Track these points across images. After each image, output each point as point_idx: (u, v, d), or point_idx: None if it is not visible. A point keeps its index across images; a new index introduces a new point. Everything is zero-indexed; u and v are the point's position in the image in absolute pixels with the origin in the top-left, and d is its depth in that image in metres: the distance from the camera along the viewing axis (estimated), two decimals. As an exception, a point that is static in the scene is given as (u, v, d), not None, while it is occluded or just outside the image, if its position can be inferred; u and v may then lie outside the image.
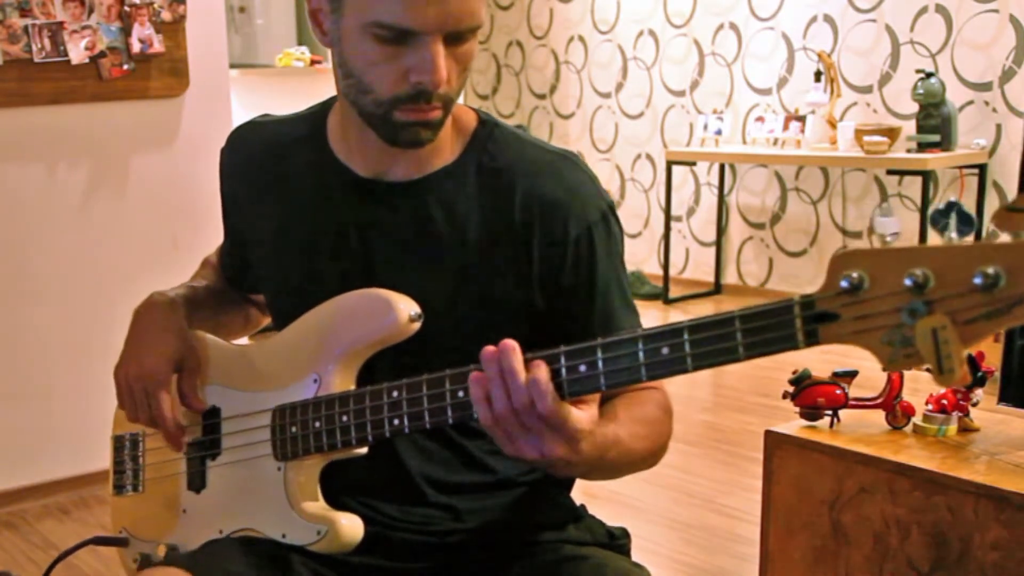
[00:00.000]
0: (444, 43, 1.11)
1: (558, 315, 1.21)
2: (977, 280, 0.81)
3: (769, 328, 0.91)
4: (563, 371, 1.01)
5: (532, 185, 1.21)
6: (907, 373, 1.88)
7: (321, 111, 1.32)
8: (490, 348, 1.02)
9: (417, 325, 1.17)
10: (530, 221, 1.20)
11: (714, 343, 0.94)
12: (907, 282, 0.84)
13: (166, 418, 1.28)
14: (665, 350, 0.96)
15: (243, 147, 1.37)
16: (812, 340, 0.89)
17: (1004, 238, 0.84)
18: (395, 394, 1.12)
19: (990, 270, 0.81)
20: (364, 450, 1.20)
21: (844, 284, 0.87)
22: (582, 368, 1.00)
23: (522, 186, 1.21)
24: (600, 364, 1.00)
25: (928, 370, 0.84)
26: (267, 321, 1.49)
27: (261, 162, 1.34)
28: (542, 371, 1.00)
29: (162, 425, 1.28)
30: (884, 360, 0.87)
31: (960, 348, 0.82)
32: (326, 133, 1.29)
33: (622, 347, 0.99)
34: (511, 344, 1.01)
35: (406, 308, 1.17)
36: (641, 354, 0.98)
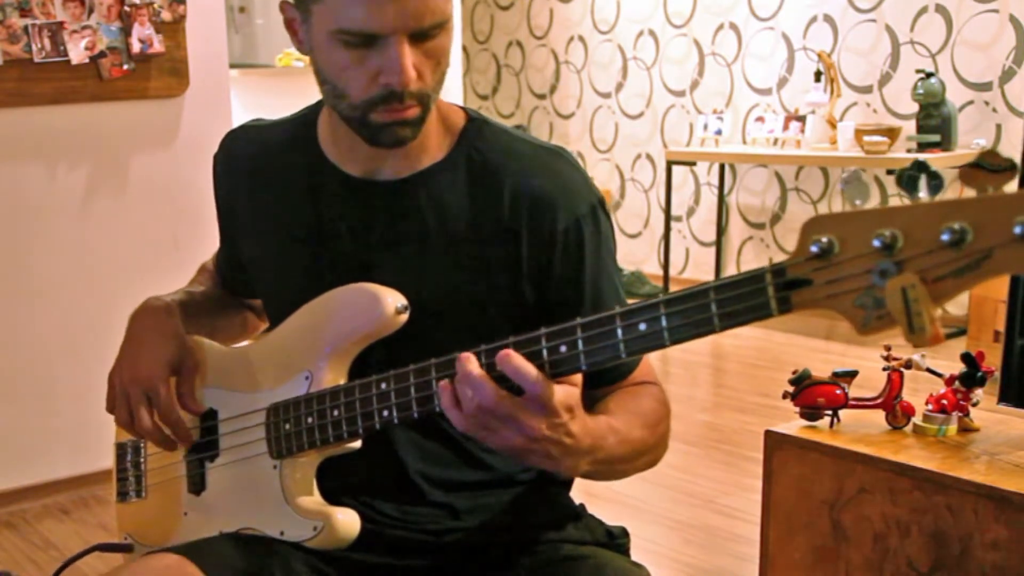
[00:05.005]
0: (410, 41, 1.12)
1: (549, 308, 1.22)
2: (945, 236, 0.81)
3: (742, 298, 0.92)
4: (544, 352, 1.02)
5: (521, 179, 1.22)
6: (907, 373, 1.88)
7: (311, 113, 1.33)
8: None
9: (404, 317, 1.18)
10: (519, 215, 1.21)
11: (689, 315, 0.95)
12: (876, 243, 0.84)
13: (171, 420, 1.28)
14: (642, 326, 0.98)
15: (236, 151, 1.38)
16: (785, 307, 0.90)
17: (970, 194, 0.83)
18: (383, 386, 1.14)
19: (956, 225, 0.80)
20: (358, 444, 1.20)
21: (814, 249, 0.87)
22: (562, 348, 1.02)
23: (511, 180, 1.22)
24: (580, 343, 1.01)
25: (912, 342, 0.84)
26: (264, 325, 1.49)
27: (254, 165, 1.35)
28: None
29: (167, 425, 1.28)
30: (858, 324, 0.86)
31: (930, 306, 0.82)
32: (316, 135, 1.30)
33: (600, 325, 1.00)
34: (465, 355, 1.04)
35: (393, 301, 1.18)
36: (619, 331, 0.99)
